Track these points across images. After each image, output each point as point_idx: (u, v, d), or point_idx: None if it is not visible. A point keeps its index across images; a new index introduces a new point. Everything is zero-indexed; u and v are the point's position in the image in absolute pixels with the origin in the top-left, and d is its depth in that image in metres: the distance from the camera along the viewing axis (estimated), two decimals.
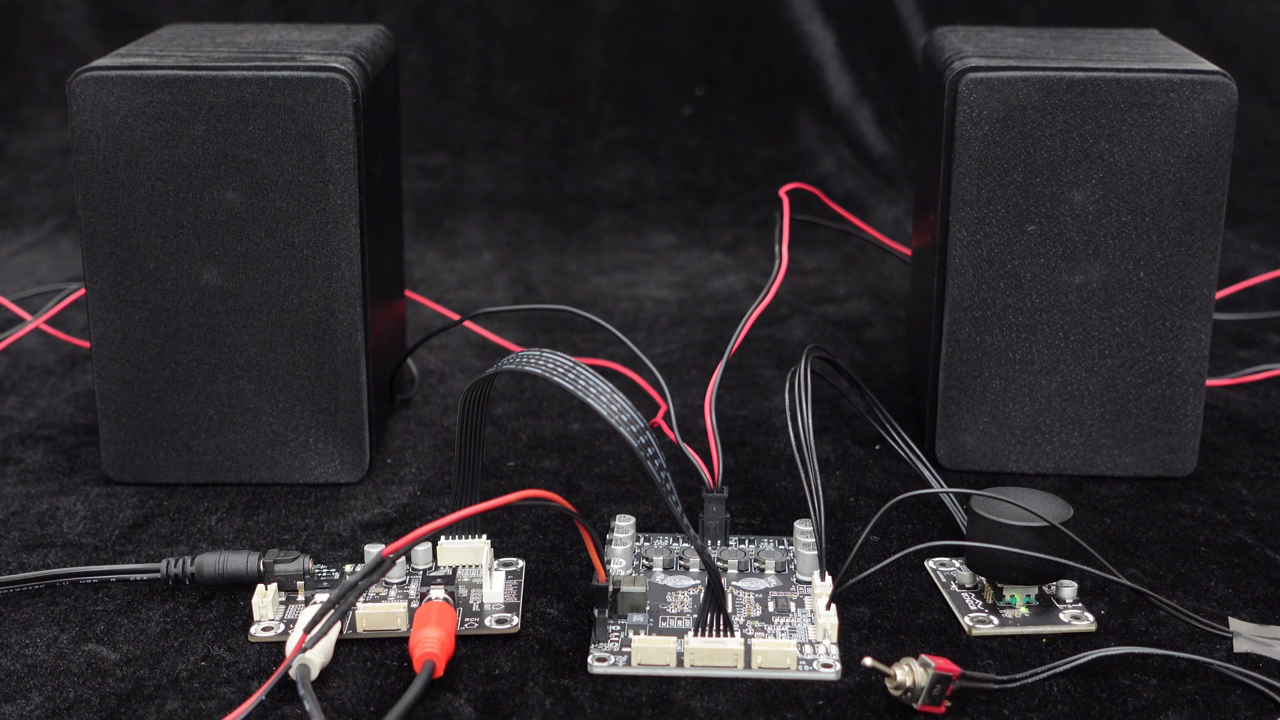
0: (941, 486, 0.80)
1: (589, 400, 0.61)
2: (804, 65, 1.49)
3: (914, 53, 1.46)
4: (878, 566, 0.67)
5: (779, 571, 0.72)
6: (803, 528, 0.73)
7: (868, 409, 0.82)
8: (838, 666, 0.64)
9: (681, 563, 0.73)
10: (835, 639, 0.66)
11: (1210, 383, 0.91)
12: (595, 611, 0.65)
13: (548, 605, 0.70)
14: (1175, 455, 0.83)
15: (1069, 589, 0.69)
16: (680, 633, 0.66)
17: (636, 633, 0.66)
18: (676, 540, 0.75)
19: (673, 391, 0.93)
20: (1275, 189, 1.38)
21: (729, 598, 0.69)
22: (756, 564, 0.72)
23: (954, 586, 0.71)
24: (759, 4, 1.49)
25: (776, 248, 0.86)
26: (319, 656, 0.63)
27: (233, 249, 0.79)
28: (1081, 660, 0.64)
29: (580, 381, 0.62)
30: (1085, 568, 0.67)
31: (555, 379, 0.62)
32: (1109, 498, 0.81)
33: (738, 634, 0.65)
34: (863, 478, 0.84)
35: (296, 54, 0.80)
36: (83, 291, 0.81)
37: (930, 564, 0.73)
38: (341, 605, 0.61)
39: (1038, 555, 0.67)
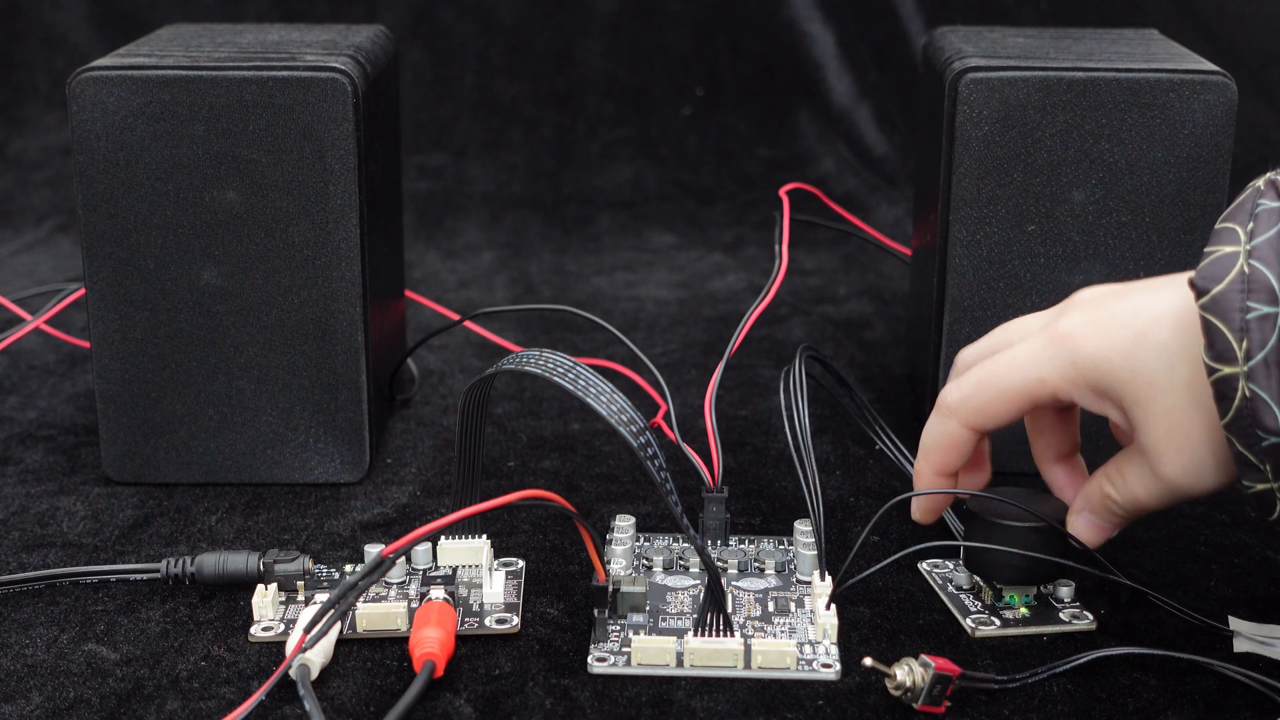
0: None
1: (589, 400, 0.61)
2: (804, 65, 1.49)
3: (914, 53, 1.45)
4: (878, 567, 0.67)
5: (779, 571, 0.72)
6: (803, 528, 0.73)
7: (859, 412, 0.82)
8: (838, 666, 0.64)
9: (681, 563, 0.73)
10: (835, 639, 0.66)
11: None
12: (595, 611, 0.65)
13: (548, 605, 0.70)
14: None
15: (1066, 588, 0.69)
16: (680, 633, 0.66)
17: (636, 633, 0.66)
18: (676, 540, 0.75)
19: (673, 391, 0.93)
20: None
21: (729, 598, 0.69)
22: (756, 564, 0.72)
23: (951, 588, 0.71)
24: (759, 4, 1.49)
25: (776, 248, 0.86)
26: (319, 656, 0.63)
27: (233, 249, 0.79)
28: (1081, 660, 0.64)
29: (580, 381, 0.62)
30: (1085, 568, 0.67)
31: (555, 379, 0.62)
32: None
33: (738, 634, 0.65)
34: (863, 478, 0.84)
35: (296, 54, 0.80)
36: (83, 291, 0.81)
37: (924, 566, 0.73)
38: (341, 605, 0.61)
39: (1037, 555, 0.67)
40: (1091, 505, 0.67)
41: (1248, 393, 0.56)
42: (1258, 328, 0.56)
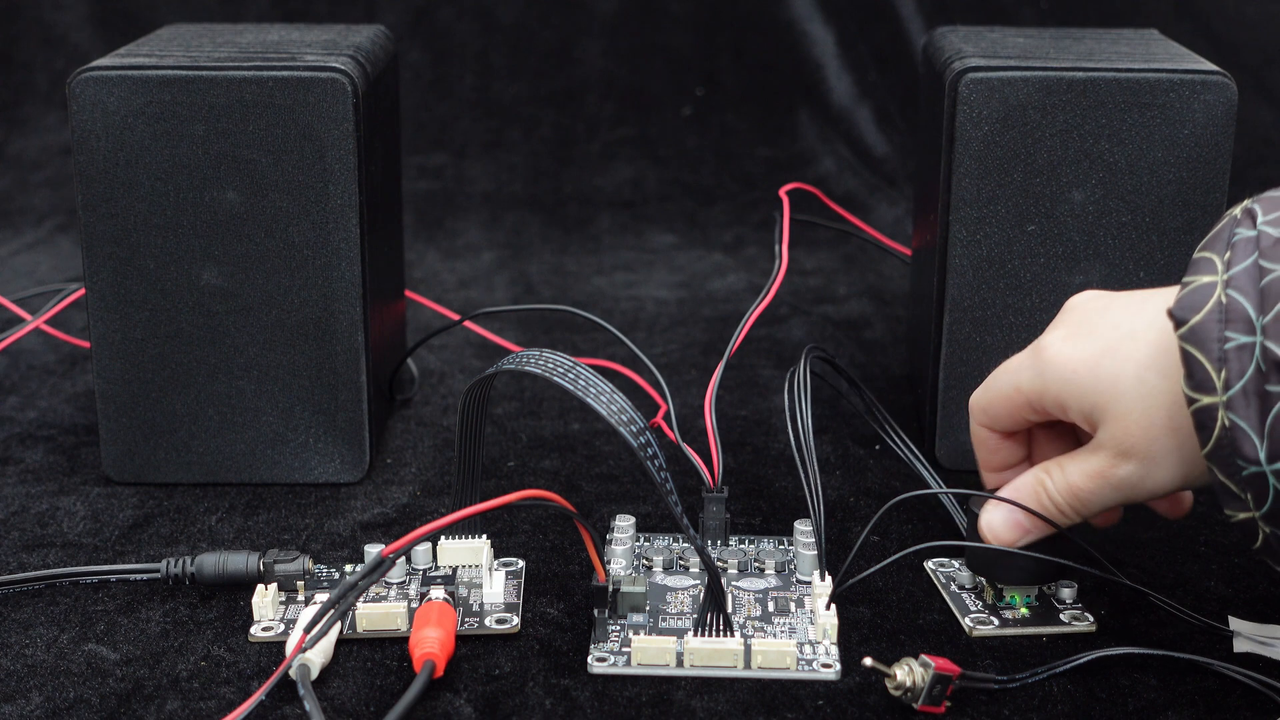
0: (941, 487, 0.80)
1: (589, 400, 0.61)
2: (804, 65, 1.49)
3: (914, 53, 1.46)
4: (878, 566, 0.67)
5: (779, 571, 0.72)
6: (803, 528, 0.73)
7: (867, 409, 0.82)
8: (838, 666, 0.64)
9: (681, 563, 0.73)
10: (835, 639, 0.66)
11: None
12: (595, 611, 0.65)
13: (548, 605, 0.70)
14: None
15: (1068, 589, 0.69)
16: (680, 633, 0.66)
17: (636, 633, 0.66)
18: (676, 540, 0.75)
19: (673, 391, 0.93)
20: None
21: (729, 598, 0.69)
22: (756, 564, 0.73)
23: (954, 587, 0.71)
24: (759, 4, 1.49)
25: (776, 248, 0.86)
26: (319, 656, 0.63)
27: (233, 249, 0.79)
28: (1081, 660, 0.64)
29: (580, 381, 0.62)
30: (1085, 568, 0.67)
31: (555, 379, 0.62)
32: None
33: (737, 634, 0.65)
34: (863, 478, 0.84)
35: (296, 54, 0.80)
36: (83, 291, 0.81)
37: (930, 564, 0.73)
38: (341, 605, 0.61)
39: (1038, 556, 0.67)
40: (1021, 494, 0.66)
41: (1227, 422, 0.56)
42: (1236, 357, 0.56)
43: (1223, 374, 0.56)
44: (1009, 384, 0.67)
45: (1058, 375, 0.64)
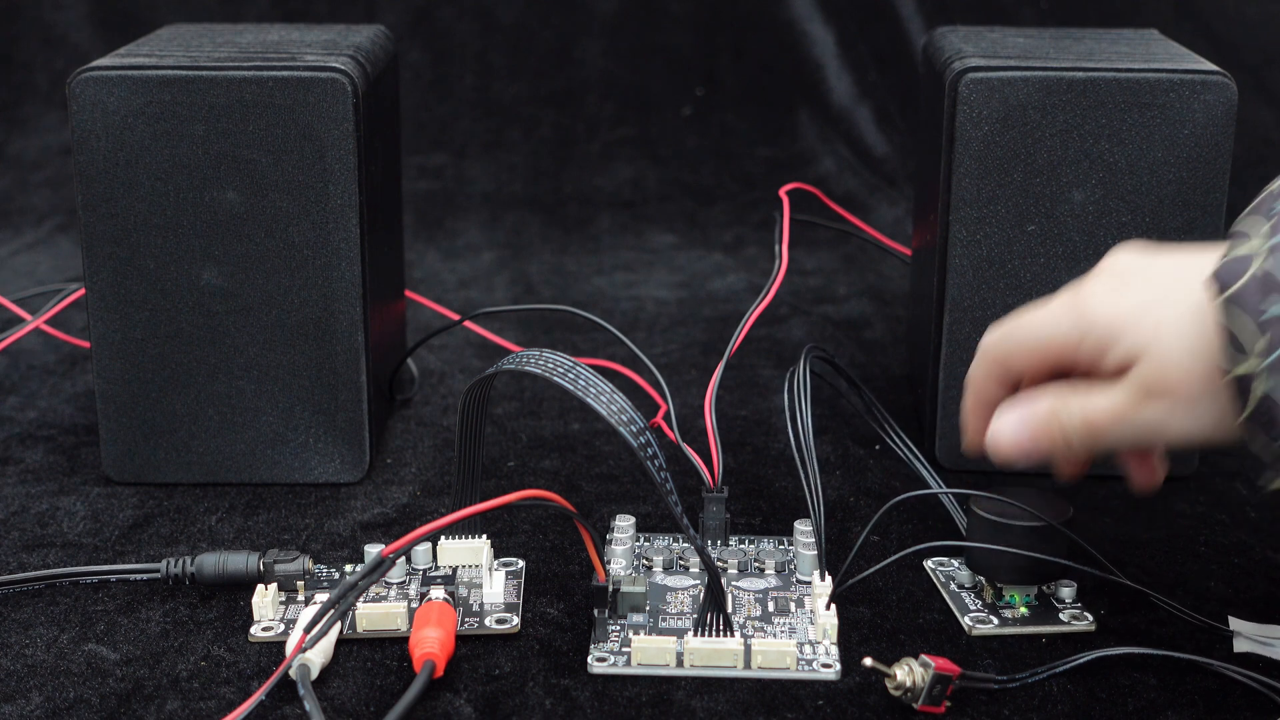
0: (941, 487, 0.80)
1: (589, 400, 0.61)
2: (804, 65, 1.49)
3: (914, 53, 1.46)
4: (878, 566, 0.67)
5: (779, 571, 0.72)
6: (803, 528, 0.73)
7: (866, 409, 0.82)
8: (838, 666, 0.64)
9: (681, 563, 0.73)
10: (835, 639, 0.66)
11: None
12: (595, 611, 0.65)
13: (548, 605, 0.70)
14: (1176, 455, 0.83)
15: (1068, 589, 0.69)
16: (680, 633, 0.66)
17: (636, 633, 0.66)
18: (676, 540, 0.75)
19: (673, 391, 0.93)
20: None
21: (729, 598, 0.69)
22: (756, 564, 0.73)
23: (953, 586, 0.71)
24: (759, 4, 1.49)
25: (776, 248, 0.86)
26: (319, 656, 0.63)
27: (233, 249, 0.79)
28: (1081, 660, 0.64)
29: (580, 381, 0.62)
30: (1085, 568, 0.67)
31: (555, 379, 0.62)
32: (1109, 498, 0.81)
33: (737, 634, 0.65)
34: (863, 478, 0.84)
35: (296, 54, 0.80)
36: (83, 291, 0.81)
37: (929, 564, 0.73)
38: (341, 605, 0.61)
39: (1037, 555, 0.67)
40: (1034, 416, 0.63)
41: (1263, 391, 0.56)
42: (1274, 326, 0.56)
43: (1260, 343, 0.56)
44: (1044, 335, 0.64)
45: (1101, 321, 0.62)
